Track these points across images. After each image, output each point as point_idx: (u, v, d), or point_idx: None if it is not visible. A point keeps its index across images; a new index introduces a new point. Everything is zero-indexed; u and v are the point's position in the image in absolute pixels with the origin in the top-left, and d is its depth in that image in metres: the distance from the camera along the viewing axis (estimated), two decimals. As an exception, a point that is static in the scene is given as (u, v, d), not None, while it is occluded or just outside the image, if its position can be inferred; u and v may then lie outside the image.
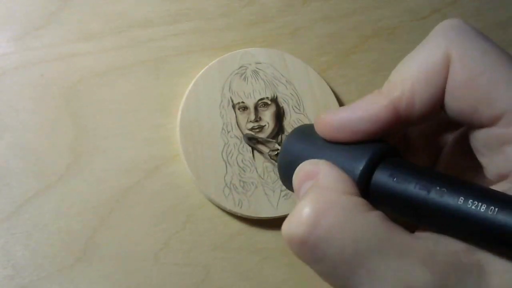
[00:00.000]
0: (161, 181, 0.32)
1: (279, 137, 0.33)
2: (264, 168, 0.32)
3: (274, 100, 0.34)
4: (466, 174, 0.23)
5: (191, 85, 0.33)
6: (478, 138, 0.21)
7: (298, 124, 0.33)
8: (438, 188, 0.20)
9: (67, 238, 0.30)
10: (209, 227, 0.32)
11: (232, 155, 0.32)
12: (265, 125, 0.33)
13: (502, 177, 0.21)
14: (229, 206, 0.31)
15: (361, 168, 0.22)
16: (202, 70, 0.33)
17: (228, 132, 0.32)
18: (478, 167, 0.22)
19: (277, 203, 0.32)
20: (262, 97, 0.33)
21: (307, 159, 0.24)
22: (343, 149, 0.23)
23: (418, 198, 0.20)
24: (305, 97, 0.34)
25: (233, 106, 0.33)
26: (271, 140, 0.33)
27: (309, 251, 0.20)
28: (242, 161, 0.32)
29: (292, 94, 0.34)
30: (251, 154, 0.33)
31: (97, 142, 0.31)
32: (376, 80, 0.37)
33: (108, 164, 0.31)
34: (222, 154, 0.32)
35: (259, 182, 0.32)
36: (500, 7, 0.42)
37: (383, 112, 0.22)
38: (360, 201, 0.20)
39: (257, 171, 0.32)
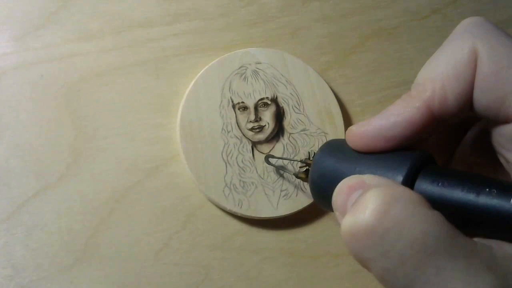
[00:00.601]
0: (161, 181, 0.32)
1: (280, 136, 0.33)
2: (264, 168, 0.32)
3: (274, 100, 0.34)
4: (483, 171, 0.23)
5: (191, 85, 0.33)
6: (504, 133, 0.21)
7: (298, 124, 0.33)
8: (487, 189, 0.19)
9: (67, 238, 0.30)
10: (209, 227, 0.32)
11: (232, 155, 0.32)
12: (265, 125, 0.33)
13: None
14: (229, 206, 0.31)
15: (403, 175, 0.21)
16: (202, 70, 0.33)
17: (228, 132, 0.32)
18: (496, 164, 0.22)
19: (277, 203, 0.32)
20: (262, 97, 0.33)
21: (343, 171, 0.23)
22: (379, 159, 0.23)
23: (467, 202, 0.20)
24: (305, 97, 0.34)
25: (233, 106, 0.33)
26: (294, 159, 0.32)
27: (377, 242, 0.18)
28: (242, 161, 0.32)
29: (292, 94, 0.34)
30: (251, 154, 0.33)
31: (97, 142, 0.31)
32: (376, 80, 0.37)
33: (108, 164, 0.31)
34: (222, 154, 0.32)
35: (259, 182, 0.32)
36: (500, 7, 0.42)
37: (418, 114, 0.22)
38: (422, 197, 0.19)
39: (257, 171, 0.32)
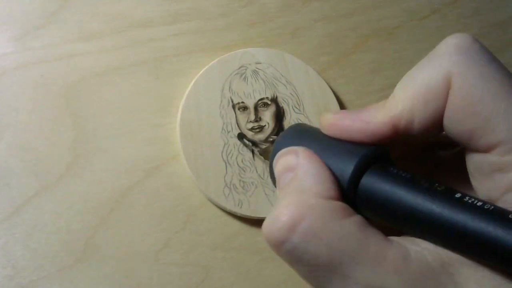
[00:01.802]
0: (161, 181, 0.32)
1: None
2: (264, 168, 0.32)
3: (274, 100, 0.34)
4: (457, 180, 0.23)
5: (191, 85, 0.33)
6: (472, 162, 0.22)
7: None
8: (431, 186, 0.20)
9: (67, 238, 0.30)
10: (209, 227, 0.32)
11: (232, 155, 0.32)
12: (265, 125, 0.33)
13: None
14: (229, 206, 0.31)
15: (350, 171, 0.22)
16: (202, 70, 0.33)
17: (228, 132, 0.32)
18: (471, 188, 0.22)
19: (277, 203, 0.32)
20: (262, 97, 0.33)
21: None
22: (335, 147, 0.23)
23: (402, 203, 0.20)
24: (305, 97, 0.34)
25: (233, 106, 0.33)
26: (262, 142, 0.33)
27: (286, 254, 0.20)
28: (242, 161, 0.32)
29: (292, 94, 0.34)
30: (251, 154, 0.33)
31: (97, 142, 0.31)
32: (376, 80, 0.37)
33: (108, 164, 0.31)
34: (222, 154, 0.32)
35: (259, 182, 0.32)
36: (500, 7, 0.42)
37: (382, 128, 0.22)
38: (338, 206, 0.20)
39: (257, 171, 0.32)
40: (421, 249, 0.20)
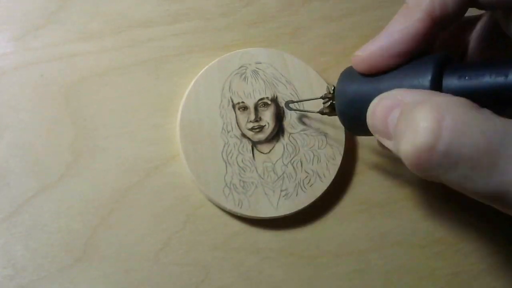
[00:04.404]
0: (161, 181, 0.32)
1: (280, 136, 0.33)
2: (264, 168, 0.32)
3: (274, 100, 0.34)
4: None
5: (191, 85, 0.33)
6: None
7: (298, 124, 0.33)
8: None
9: (67, 238, 0.30)
10: (209, 227, 0.32)
11: (232, 155, 0.32)
12: (265, 125, 0.33)
13: None
14: (229, 206, 0.31)
15: (429, 78, 0.21)
16: (202, 70, 0.33)
17: (228, 132, 0.32)
18: (510, 48, 0.22)
19: (277, 203, 0.32)
20: (262, 97, 0.33)
21: (369, 94, 0.23)
22: (400, 73, 0.22)
23: (498, 86, 0.20)
24: (305, 97, 0.34)
25: (233, 106, 0.33)
26: (313, 98, 0.32)
27: (442, 158, 0.18)
28: (242, 161, 0.32)
29: (292, 94, 0.34)
30: (251, 154, 0.33)
31: (97, 142, 0.31)
32: (376, 80, 0.37)
33: (108, 164, 0.31)
34: (222, 154, 0.32)
35: (259, 182, 0.32)
36: (500, 7, 0.41)
37: (420, 25, 0.22)
38: (465, 99, 0.19)
39: (257, 171, 0.32)
40: None
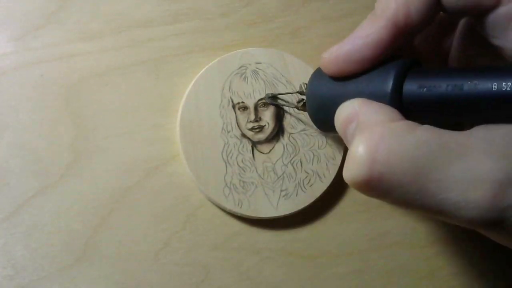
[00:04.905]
0: (161, 181, 0.32)
1: (280, 136, 0.33)
2: (264, 168, 0.32)
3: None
4: (481, 62, 0.23)
5: (191, 85, 0.33)
6: (486, 24, 0.21)
7: (298, 124, 0.33)
8: (469, 82, 0.20)
9: (67, 238, 0.30)
10: (209, 227, 0.32)
11: (232, 155, 0.32)
12: (265, 125, 0.33)
13: None
14: (229, 206, 0.31)
15: (390, 87, 0.22)
16: (202, 70, 0.33)
17: (228, 132, 0.32)
18: (491, 52, 0.22)
19: (277, 203, 0.32)
20: (262, 97, 0.33)
21: (334, 99, 0.24)
22: (364, 79, 0.23)
23: (453, 98, 0.20)
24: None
25: (233, 106, 0.33)
26: (291, 92, 0.33)
27: (376, 188, 0.20)
28: (242, 161, 0.32)
29: (292, 94, 0.34)
30: (251, 154, 0.33)
31: (97, 142, 0.31)
32: (376, 80, 0.37)
33: (108, 164, 0.31)
34: (222, 154, 0.32)
35: (259, 182, 0.32)
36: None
37: (384, 33, 0.22)
38: (404, 123, 0.21)
39: (257, 171, 0.32)
40: (496, 127, 0.20)
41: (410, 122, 0.21)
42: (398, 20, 0.22)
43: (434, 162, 0.19)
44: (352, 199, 0.34)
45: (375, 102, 0.22)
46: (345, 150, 0.33)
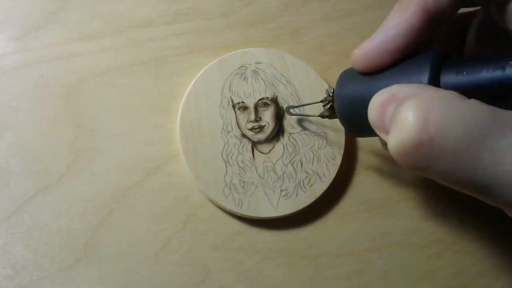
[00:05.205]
0: (161, 181, 0.32)
1: (280, 136, 0.33)
2: (264, 168, 0.32)
3: (274, 100, 0.34)
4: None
5: (191, 85, 0.33)
6: (508, 10, 0.21)
7: (298, 124, 0.33)
8: (511, 62, 0.20)
9: (67, 238, 0.30)
10: (209, 227, 0.32)
11: (232, 155, 0.32)
12: (265, 125, 0.33)
13: None
14: (229, 206, 0.31)
15: (427, 76, 0.21)
16: (202, 70, 0.33)
17: (228, 132, 0.32)
18: (508, 42, 0.22)
19: (277, 203, 0.32)
20: (262, 97, 0.33)
21: (368, 93, 0.23)
22: (398, 70, 0.23)
23: (496, 79, 0.20)
24: (305, 97, 0.34)
25: (233, 106, 0.33)
26: (313, 102, 0.32)
27: (427, 152, 0.19)
28: (242, 161, 0.32)
29: (292, 94, 0.34)
30: (251, 154, 0.33)
31: (97, 142, 0.31)
32: (376, 80, 0.37)
33: (108, 164, 0.31)
34: (222, 154, 0.32)
35: (259, 182, 0.32)
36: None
37: (415, 20, 0.22)
38: (453, 92, 0.20)
39: (257, 171, 0.32)
40: None
41: (458, 93, 0.20)
42: (428, 6, 0.22)
43: (488, 131, 0.18)
44: (352, 199, 0.34)
45: (412, 84, 0.21)
46: (345, 150, 0.33)
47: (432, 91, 0.20)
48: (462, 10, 0.25)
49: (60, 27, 0.33)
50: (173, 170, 0.32)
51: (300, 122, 0.34)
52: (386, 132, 0.22)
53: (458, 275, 0.34)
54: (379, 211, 0.34)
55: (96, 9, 0.33)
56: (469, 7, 0.23)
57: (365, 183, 0.35)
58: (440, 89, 0.20)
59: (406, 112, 0.19)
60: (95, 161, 0.31)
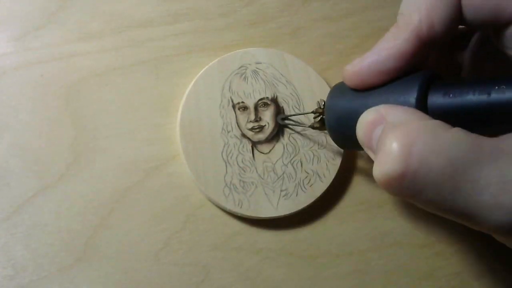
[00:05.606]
0: (161, 181, 0.32)
1: (280, 136, 0.33)
2: (264, 168, 0.32)
3: (274, 100, 0.34)
4: (496, 74, 0.24)
5: (191, 85, 0.33)
6: (504, 36, 0.21)
7: (298, 124, 0.33)
8: (496, 87, 0.20)
9: (67, 238, 0.30)
10: (209, 227, 0.32)
11: (232, 155, 0.32)
12: (265, 125, 0.33)
13: None
14: (229, 206, 0.31)
15: (415, 96, 0.22)
16: (202, 70, 0.33)
17: (228, 132, 0.32)
18: (506, 65, 0.22)
19: (277, 203, 0.32)
20: (262, 97, 0.33)
21: (357, 109, 0.23)
22: (388, 89, 0.23)
23: (481, 104, 0.20)
24: (305, 97, 0.34)
25: (233, 106, 0.33)
26: (305, 112, 0.32)
27: (410, 184, 0.19)
28: (242, 161, 0.32)
29: (292, 94, 0.34)
30: (251, 154, 0.33)
31: (97, 142, 0.31)
32: (376, 80, 0.37)
33: (108, 164, 0.31)
34: (222, 154, 0.32)
35: (259, 182, 0.32)
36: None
37: (407, 45, 0.22)
38: (438, 122, 0.20)
39: (257, 171, 0.32)
40: None
41: (442, 122, 0.20)
42: (422, 32, 0.22)
43: (470, 162, 0.19)
44: (352, 199, 0.34)
45: (401, 106, 0.22)
46: (345, 151, 0.33)
47: (417, 121, 0.20)
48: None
49: (60, 27, 0.33)
50: (173, 170, 0.32)
51: (300, 120, 0.34)
52: (373, 151, 0.22)
53: (458, 275, 0.34)
54: (379, 211, 0.34)
55: (96, 9, 0.33)
56: (468, 28, 0.23)
57: (365, 183, 0.35)
58: (426, 117, 0.21)
59: (391, 144, 0.20)
60: (95, 161, 0.31)
